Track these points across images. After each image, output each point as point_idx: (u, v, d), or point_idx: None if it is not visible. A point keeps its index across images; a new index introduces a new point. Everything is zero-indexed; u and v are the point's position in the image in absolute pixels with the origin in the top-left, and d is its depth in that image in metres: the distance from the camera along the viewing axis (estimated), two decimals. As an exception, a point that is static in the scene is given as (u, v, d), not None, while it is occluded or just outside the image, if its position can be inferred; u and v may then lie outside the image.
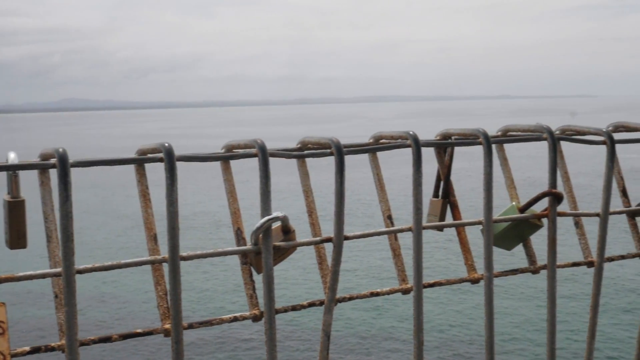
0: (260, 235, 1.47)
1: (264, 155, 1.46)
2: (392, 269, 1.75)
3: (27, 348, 1.31)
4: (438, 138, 1.82)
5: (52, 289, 1.36)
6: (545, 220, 1.82)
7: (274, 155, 1.52)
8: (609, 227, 1.90)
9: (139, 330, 1.41)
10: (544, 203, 1.82)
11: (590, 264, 1.89)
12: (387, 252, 1.77)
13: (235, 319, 1.49)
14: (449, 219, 1.85)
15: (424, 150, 1.71)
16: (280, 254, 1.54)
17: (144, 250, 1.53)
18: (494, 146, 1.80)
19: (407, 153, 1.65)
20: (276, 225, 1.52)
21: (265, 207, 1.46)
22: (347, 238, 1.58)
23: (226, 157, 1.54)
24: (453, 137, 1.80)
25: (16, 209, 1.38)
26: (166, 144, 1.39)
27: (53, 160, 1.33)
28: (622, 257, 2.01)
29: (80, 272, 1.32)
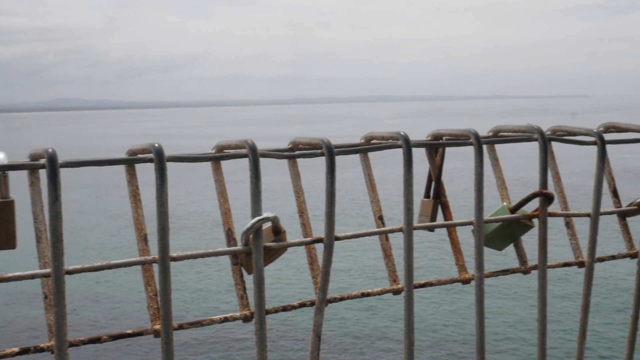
0: (251, 236, 1.47)
1: (254, 155, 1.46)
2: (384, 270, 1.75)
3: (16, 349, 1.30)
4: (429, 138, 1.82)
5: (42, 290, 1.36)
6: (536, 221, 1.83)
7: (264, 155, 1.52)
8: (600, 227, 1.91)
9: (128, 331, 1.40)
10: (535, 203, 1.83)
11: (581, 264, 1.89)
12: (379, 253, 1.77)
13: (225, 320, 1.49)
14: (440, 220, 1.85)
15: (415, 150, 1.71)
16: (271, 254, 1.54)
17: (137, 250, 1.52)
18: (485, 146, 1.81)
19: (400, 153, 1.65)
20: (267, 225, 1.52)
21: (256, 207, 1.46)
22: (338, 238, 1.58)
23: (216, 158, 1.53)
24: (444, 138, 1.80)
25: (5, 209, 1.38)
26: (156, 145, 1.38)
27: (43, 161, 1.32)
28: (613, 258, 2.02)
29: (69, 272, 1.32)
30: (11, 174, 1.42)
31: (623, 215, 2.01)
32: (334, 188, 1.52)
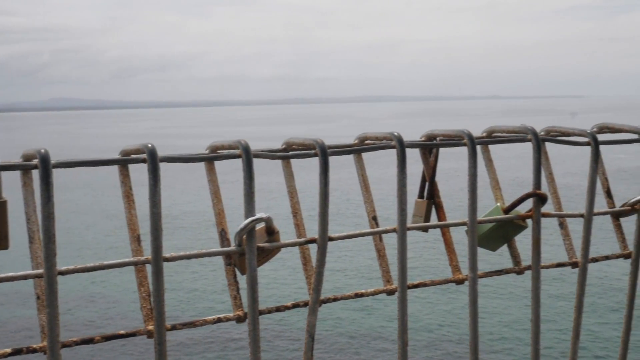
0: (244, 236, 1.47)
1: (247, 156, 1.46)
2: (378, 270, 1.75)
3: (9, 350, 1.30)
4: (423, 139, 1.82)
5: (34, 290, 1.35)
6: (529, 221, 1.83)
7: (257, 156, 1.52)
8: (594, 227, 1.91)
9: (121, 332, 1.40)
10: (529, 204, 1.83)
11: (574, 265, 1.90)
12: (374, 253, 1.77)
13: (219, 320, 1.49)
14: (434, 220, 1.85)
15: (410, 150, 1.71)
16: (265, 255, 1.54)
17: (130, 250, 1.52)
18: (479, 147, 1.81)
19: (395, 154, 1.65)
20: (260, 226, 1.52)
21: (249, 208, 1.46)
22: (331, 239, 1.58)
23: (210, 158, 1.53)
24: (438, 138, 1.80)
25: None
26: (149, 145, 1.38)
27: (35, 161, 1.32)
28: (607, 258, 2.02)
29: (62, 273, 1.32)
30: (4, 175, 1.42)
31: (616, 216, 2.01)
32: (327, 188, 1.52)
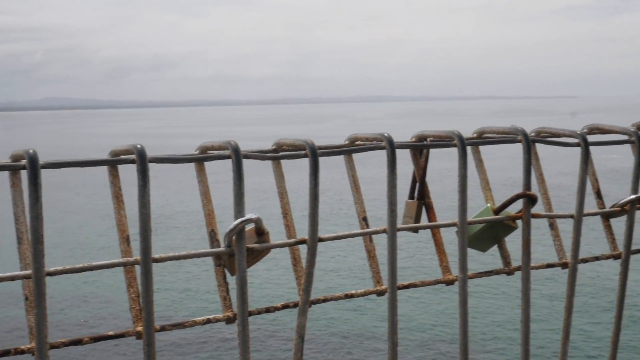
0: (234, 237, 1.47)
1: (237, 156, 1.46)
2: (369, 270, 1.75)
3: (-4, 351, 1.30)
4: (413, 140, 1.82)
5: (23, 291, 1.35)
6: (519, 222, 1.83)
7: (247, 156, 1.52)
8: (584, 228, 1.91)
9: (110, 333, 1.40)
10: (520, 204, 1.83)
11: (564, 265, 1.90)
12: (364, 254, 1.77)
13: (208, 321, 1.49)
14: (424, 221, 1.85)
15: (401, 151, 1.71)
16: (254, 255, 1.54)
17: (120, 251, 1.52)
18: (469, 148, 1.81)
19: (385, 154, 1.65)
20: (250, 227, 1.52)
21: (239, 209, 1.46)
22: (321, 240, 1.58)
23: (199, 159, 1.53)
24: (428, 139, 1.80)
25: None
26: (138, 146, 1.38)
27: (24, 162, 1.31)
28: (597, 259, 2.02)
29: (50, 274, 1.31)
30: None
31: (606, 217, 2.01)
32: (317, 189, 1.51)
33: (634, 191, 1.94)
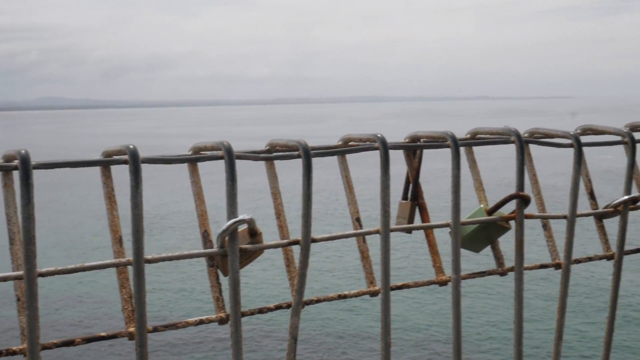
0: (227, 238, 1.46)
1: (230, 157, 1.45)
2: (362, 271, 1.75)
3: (-12, 352, 1.29)
4: (407, 140, 1.82)
5: (15, 292, 1.35)
6: (513, 223, 1.83)
7: (240, 157, 1.52)
8: (577, 229, 1.92)
9: (102, 334, 1.39)
10: (513, 205, 1.83)
11: (557, 266, 1.90)
12: (358, 254, 1.77)
13: (201, 322, 1.49)
14: (418, 221, 1.85)
15: (395, 151, 1.71)
16: (247, 256, 1.54)
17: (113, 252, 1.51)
18: (463, 148, 1.81)
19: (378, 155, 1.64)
20: (243, 227, 1.52)
21: (232, 209, 1.46)
22: (314, 240, 1.58)
23: (192, 160, 1.53)
24: (422, 140, 1.81)
25: None
26: (131, 146, 1.38)
27: (16, 162, 1.31)
28: (590, 259, 2.03)
29: (42, 275, 1.31)
30: None
31: (600, 217, 2.02)
32: (310, 190, 1.51)
33: (627, 192, 1.94)
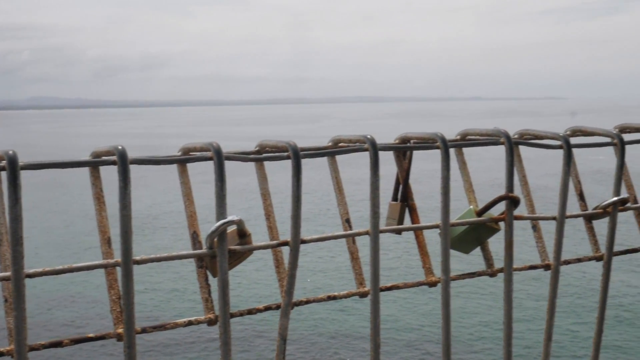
0: (216, 239, 1.46)
1: (219, 158, 1.45)
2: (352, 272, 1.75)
3: (-25, 353, 1.29)
4: (397, 142, 1.83)
5: (2, 293, 1.34)
6: (502, 224, 1.84)
7: (229, 158, 1.51)
8: (568, 230, 1.92)
9: (90, 335, 1.39)
10: (503, 206, 1.84)
11: (547, 267, 1.91)
12: (348, 255, 1.77)
13: (190, 323, 1.48)
14: (407, 223, 1.85)
15: (386, 153, 1.71)
16: (236, 257, 1.53)
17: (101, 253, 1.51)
18: (453, 150, 1.81)
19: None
20: (232, 228, 1.52)
21: (221, 210, 1.46)
22: (304, 241, 1.57)
23: (181, 160, 1.53)
24: (412, 141, 1.81)
25: None
26: (119, 147, 1.37)
27: (3, 163, 1.31)
28: (579, 260, 2.03)
29: (29, 276, 1.30)
30: None
31: (589, 219, 2.02)
32: (299, 191, 1.51)
33: (616, 193, 1.95)
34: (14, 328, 1.28)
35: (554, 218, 1.87)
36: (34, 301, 18.29)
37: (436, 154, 1.72)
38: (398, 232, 1.79)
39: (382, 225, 1.71)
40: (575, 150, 1.86)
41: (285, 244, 1.58)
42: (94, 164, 1.43)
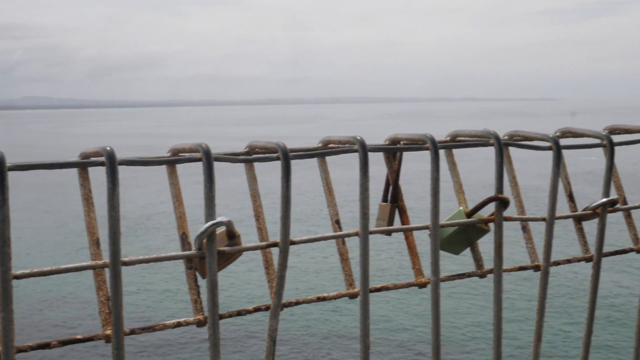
0: (205, 240, 1.46)
1: (208, 159, 1.45)
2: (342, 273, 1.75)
3: (-38, 355, 1.28)
4: (387, 143, 1.83)
5: None
6: (492, 225, 1.84)
7: (219, 159, 1.51)
8: (558, 230, 1.93)
9: (79, 336, 1.39)
10: (493, 207, 1.84)
11: (536, 268, 1.91)
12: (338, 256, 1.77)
13: (179, 325, 1.48)
14: (397, 224, 1.85)
15: (376, 154, 1.72)
16: (226, 258, 1.53)
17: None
18: (443, 151, 1.82)
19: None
20: (221, 229, 1.52)
21: (210, 211, 1.45)
22: (293, 243, 1.57)
23: (169, 161, 1.53)
24: (401, 142, 1.81)
25: None
26: (107, 148, 1.37)
27: None
28: (568, 261, 2.04)
29: (17, 277, 1.30)
30: None
31: (578, 220, 2.03)
32: (289, 192, 1.51)
33: (606, 195, 1.95)
34: (0, 330, 1.27)
35: (543, 219, 1.88)
36: (25, 302, 18.25)
37: (427, 155, 1.72)
38: (388, 233, 1.79)
39: (372, 227, 1.71)
40: (566, 152, 1.87)
41: (274, 245, 1.58)
42: (82, 165, 1.43)
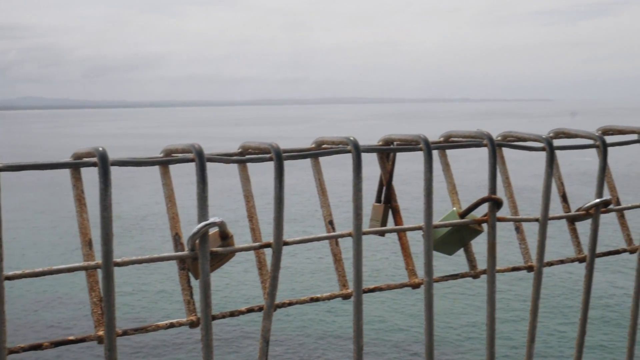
0: (197, 241, 1.46)
1: (201, 160, 1.45)
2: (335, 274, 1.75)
3: (-47, 357, 1.27)
4: (380, 143, 1.83)
5: None
6: (485, 226, 1.84)
7: (211, 160, 1.51)
8: (552, 231, 1.93)
9: (71, 338, 1.38)
10: (486, 208, 1.84)
11: (530, 269, 1.91)
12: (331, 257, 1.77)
13: (171, 325, 1.48)
14: (391, 224, 1.85)
15: (370, 154, 1.72)
16: (219, 259, 1.53)
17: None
18: (436, 151, 1.82)
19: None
20: (214, 230, 1.51)
21: (203, 212, 1.45)
22: (286, 243, 1.57)
23: (162, 162, 1.52)
24: (395, 143, 1.81)
25: None
26: (100, 148, 1.37)
27: None
28: (562, 262, 2.04)
29: (9, 278, 1.29)
30: None
31: (572, 220, 2.03)
32: (282, 193, 1.51)
33: (599, 195, 1.96)
34: (-7, 331, 1.27)
35: (536, 220, 1.88)
36: (18, 303, 18.20)
37: (421, 156, 1.72)
38: (381, 233, 1.79)
39: (366, 227, 1.71)
40: (559, 152, 1.87)
41: (267, 245, 1.57)
42: (75, 166, 1.42)
